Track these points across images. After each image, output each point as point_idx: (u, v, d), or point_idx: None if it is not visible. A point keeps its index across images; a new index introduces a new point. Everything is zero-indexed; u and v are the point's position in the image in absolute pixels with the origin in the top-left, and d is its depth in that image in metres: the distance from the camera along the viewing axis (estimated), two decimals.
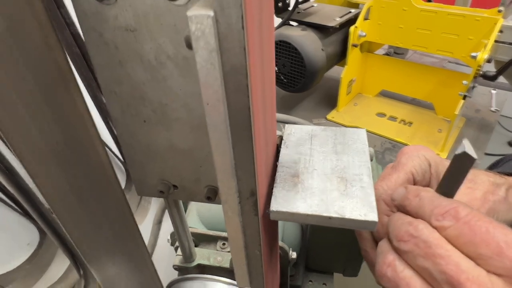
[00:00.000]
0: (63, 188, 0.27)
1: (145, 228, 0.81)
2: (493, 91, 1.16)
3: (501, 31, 0.82)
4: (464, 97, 0.83)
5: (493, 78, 0.83)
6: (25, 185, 0.72)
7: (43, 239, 0.81)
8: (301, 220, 0.22)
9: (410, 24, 0.93)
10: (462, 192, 0.33)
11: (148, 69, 0.25)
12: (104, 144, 0.26)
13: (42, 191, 0.26)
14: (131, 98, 0.27)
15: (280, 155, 0.27)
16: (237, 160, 0.18)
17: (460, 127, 1.01)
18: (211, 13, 0.13)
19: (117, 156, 0.94)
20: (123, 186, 1.02)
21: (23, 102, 0.21)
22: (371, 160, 0.27)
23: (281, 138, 0.28)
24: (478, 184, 0.34)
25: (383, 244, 0.26)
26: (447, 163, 0.31)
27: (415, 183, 0.34)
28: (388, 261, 0.24)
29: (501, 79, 0.88)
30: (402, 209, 0.27)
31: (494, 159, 0.52)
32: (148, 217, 1.00)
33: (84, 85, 0.81)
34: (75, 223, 0.30)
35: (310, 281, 0.61)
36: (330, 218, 0.22)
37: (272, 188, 0.23)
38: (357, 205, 0.23)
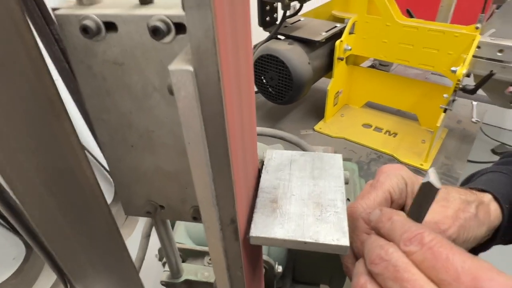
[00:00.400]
0: (49, 209, 0.28)
1: (134, 240, 0.81)
2: (474, 103, 1.20)
3: (478, 47, 0.86)
4: (445, 110, 0.86)
5: (472, 91, 0.86)
6: (11, 200, 0.71)
7: (29, 253, 0.80)
8: (279, 244, 0.23)
9: (393, 39, 0.96)
10: (435, 211, 0.35)
11: (135, 99, 0.26)
12: (90, 166, 0.27)
13: (28, 212, 0.27)
14: (118, 125, 0.28)
15: (261, 180, 0.28)
16: (217, 192, 0.19)
17: (443, 138, 1.04)
18: (191, 68, 0.14)
19: (105, 168, 0.94)
20: (111, 199, 1.02)
21: (13, 132, 0.22)
22: (347, 183, 0.29)
23: (262, 162, 0.29)
24: (450, 202, 0.36)
25: (359, 266, 0.28)
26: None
27: (392, 201, 0.36)
28: (361, 283, 0.26)
29: (481, 92, 0.92)
30: (377, 231, 0.29)
31: (478, 166, 0.55)
32: (137, 229, 1.00)
33: (71, 95, 0.81)
34: (60, 242, 0.30)
35: None
36: (305, 243, 0.23)
37: (253, 213, 0.25)
38: (330, 230, 0.24)
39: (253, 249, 0.29)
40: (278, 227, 0.24)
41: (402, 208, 0.37)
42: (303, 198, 0.26)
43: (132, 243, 0.53)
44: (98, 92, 0.26)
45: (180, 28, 0.22)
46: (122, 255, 0.36)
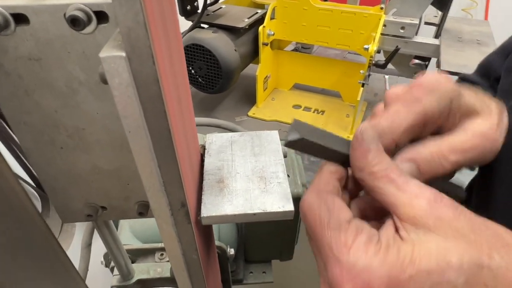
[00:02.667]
0: None
1: (73, 253, 0.75)
2: (386, 76, 1.33)
3: (384, 25, 0.95)
4: (363, 85, 0.95)
5: (383, 66, 0.96)
6: None
7: None
8: (230, 220, 0.25)
9: (311, 22, 1.02)
10: (478, 121, 0.29)
11: (60, 96, 0.25)
12: (13, 174, 0.24)
13: None
14: (43, 126, 0.26)
15: (205, 164, 0.29)
16: (164, 178, 0.19)
17: (364, 110, 1.14)
18: (123, 54, 0.14)
19: (28, 182, 0.85)
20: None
21: None
22: (285, 156, 0.31)
23: (203, 147, 0.30)
24: (489, 107, 0.30)
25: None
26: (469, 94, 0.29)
27: (425, 125, 0.27)
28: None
29: (391, 66, 1.03)
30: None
31: None
32: (74, 242, 0.93)
33: None
34: None
35: (251, 272, 0.64)
36: (254, 214, 0.25)
37: (201, 196, 0.25)
38: (276, 199, 0.26)
39: (205, 232, 0.29)
40: (227, 204, 0.25)
41: (438, 130, 0.29)
42: (247, 175, 0.28)
43: (72, 255, 0.50)
44: (14, 93, 0.24)
45: (101, 16, 0.21)
46: (65, 267, 0.34)
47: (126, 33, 0.14)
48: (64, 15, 0.21)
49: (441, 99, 0.27)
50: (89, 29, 0.21)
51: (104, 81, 0.15)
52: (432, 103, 0.27)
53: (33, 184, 0.86)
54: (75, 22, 0.20)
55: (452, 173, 0.30)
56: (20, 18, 0.21)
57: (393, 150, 0.27)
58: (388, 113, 0.27)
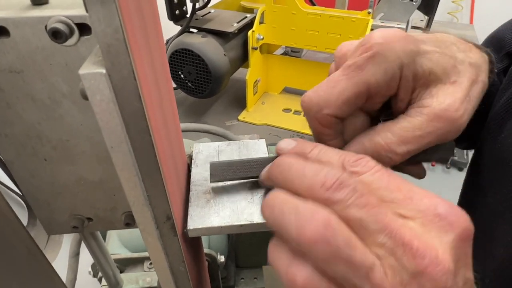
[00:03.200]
0: None
1: (61, 263, 0.74)
2: None
3: (372, 29, 0.97)
4: None
5: None
6: None
7: None
8: (217, 232, 0.24)
9: (300, 26, 1.03)
10: (445, 91, 0.25)
11: (42, 108, 0.24)
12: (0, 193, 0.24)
13: None
14: (26, 138, 0.26)
15: (192, 174, 0.29)
16: (149, 192, 0.19)
17: None
18: (103, 71, 0.14)
19: (14, 191, 0.84)
20: (25, 223, 0.91)
21: None
22: None
23: (190, 157, 0.29)
24: (461, 73, 0.26)
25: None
26: (431, 53, 0.25)
27: (370, 96, 0.25)
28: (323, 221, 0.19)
29: None
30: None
31: None
32: (62, 251, 0.91)
33: None
34: None
35: (242, 278, 0.64)
36: (241, 226, 0.25)
37: (188, 207, 0.25)
38: None
39: (193, 242, 0.29)
40: (214, 216, 0.25)
41: (392, 98, 0.26)
42: (235, 185, 0.27)
43: (60, 266, 0.49)
44: None
45: (84, 28, 0.21)
46: (52, 280, 0.33)
47: (106, 49, 0.13)
48: (46, 27, 0.20)
49: (388, 66, 0.23)
50: (71, 41, 0.21)
51: (85, 97, 0.15)
52: (376, 71, 0.23)
53: (19, 193, 0.85)
54: (56, 35, 0.20)
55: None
56: (0, 31, 0.21)
57: (335, 123, 0.25)
58: (327, 82, 0.25)
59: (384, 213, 0.19)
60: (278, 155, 0.25)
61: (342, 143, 0.27)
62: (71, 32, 0.21)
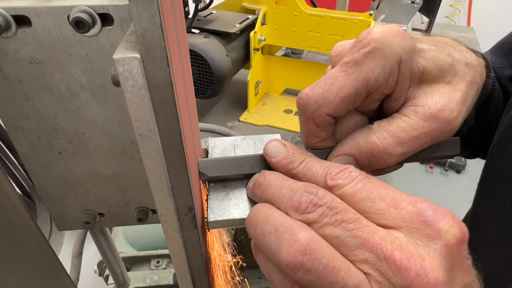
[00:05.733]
0: None
1: (62, 262, 0.73)
2: None
3: None
4: None
5: None
6: None
7: None
8: (238, 224, 0.24)
9: (302, 27, 1.03)
10: (440, 91, 0.25)
11: (59, 100, 0.24)
12: (10, 181, 0.24)
13: None
14: (41, 131, 0.26)
15: None
16: (173, 182, 0.19)
17: None
18: (137, 55, 0.14)
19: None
20: None
21: None
22: None
23: (206, 151, 0.29)
24: (457, 73, 0.26)
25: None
26: (428, 51, 0.25)
27: (369, 92, 0.24)
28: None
29: None
30: (285, 171, 0.24)
31: None
32: (63, 251, 0.90)
33: None
34: None
35: (247, 278, 0.64)
36: None
37: (207, 200, 0.25)
38: None
39: (206, 238, 0.29)
40: (234, 209, 0.25)
41: (385, 98, 0.26)
42: None
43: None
44: (13, 97, 0.23)
45: (106, 19, 0.21)
46: (60, 276, 0.33)
47: (142, 34, 0.13)
48: (68, 17, 0.20)
49: (387, 62, 0.23)
50: (93, 31, 0.21)
51: (116, 84, 0.15)
52: (375, 67, 0.23)
53: (19, 192, 0.84)
54: (79, 25, 0.20)
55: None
56: (21, 20, 0.20)
57: (330, 124, 0.25)
58: (324, 79, 0.24)
59: (363, 227, 0.19)
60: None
61: (333, 144, 0.27)
62: (94, 22, 0.21)
